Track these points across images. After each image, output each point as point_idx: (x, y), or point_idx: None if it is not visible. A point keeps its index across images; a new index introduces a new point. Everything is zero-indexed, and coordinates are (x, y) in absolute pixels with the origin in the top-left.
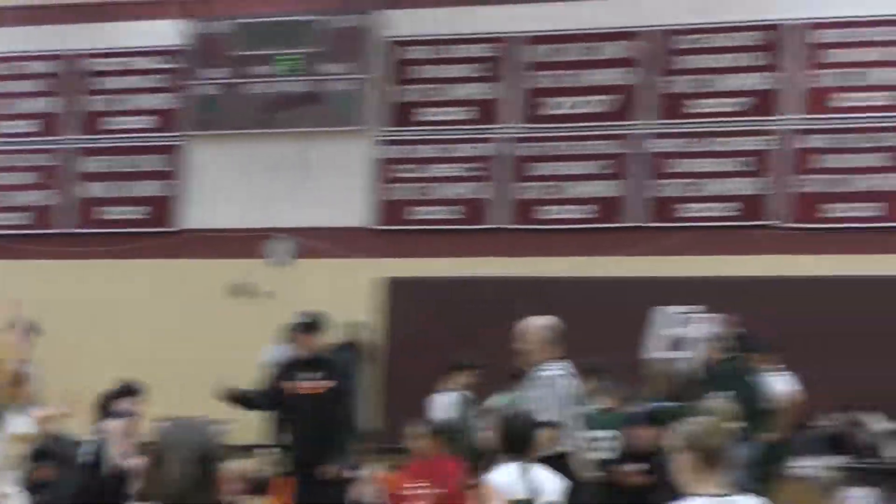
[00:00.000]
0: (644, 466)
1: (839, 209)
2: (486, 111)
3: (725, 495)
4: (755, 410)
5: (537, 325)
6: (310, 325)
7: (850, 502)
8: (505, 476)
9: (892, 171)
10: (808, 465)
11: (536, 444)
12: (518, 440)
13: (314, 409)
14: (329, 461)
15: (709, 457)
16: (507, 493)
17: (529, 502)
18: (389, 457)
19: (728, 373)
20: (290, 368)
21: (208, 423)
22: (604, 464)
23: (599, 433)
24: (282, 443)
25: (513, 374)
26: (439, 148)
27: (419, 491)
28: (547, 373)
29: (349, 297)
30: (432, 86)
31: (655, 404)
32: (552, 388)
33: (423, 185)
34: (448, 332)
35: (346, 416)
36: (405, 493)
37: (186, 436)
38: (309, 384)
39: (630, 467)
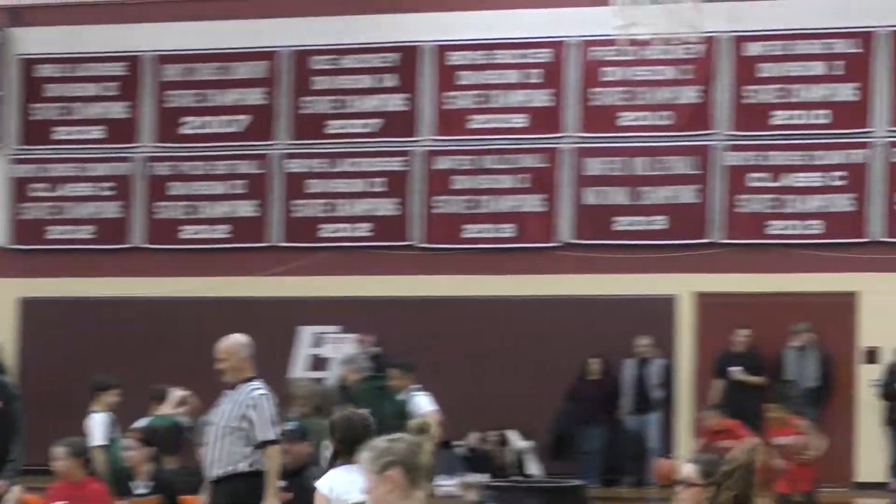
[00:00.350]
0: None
1: (474, 230)
2: (122, 130)
3: None
4: (397, 429)
5: (238, 341)
6: None
7: None
8: (342, 479)
9: (525, 192)
10: (450, 484)
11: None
12: (355, 442)
13: None
14: None
15: (416, 474)
16: (344, 497)
17: None
18: (28, 477)
19: (367, 392)
20: None
21: None
22: None
23: None
24: None
25: (154, 394)
26: (74, 167)
27: None
28: (257, 390)
29: None
30: (66, 104)
31: (300, 422)
32: (260, 405)
33: (59, 204)
34: (85, 351)
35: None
36: None
37: None
38: None
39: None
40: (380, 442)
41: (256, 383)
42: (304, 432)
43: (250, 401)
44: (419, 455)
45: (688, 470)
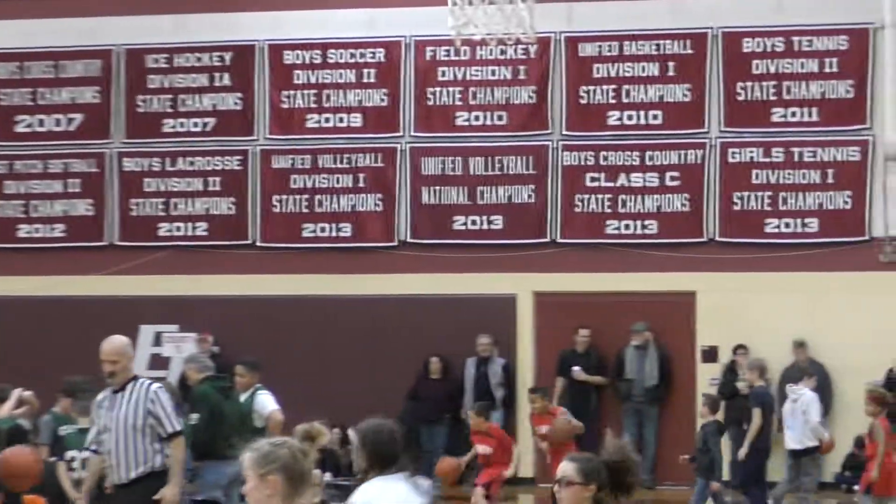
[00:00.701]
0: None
1: (313, 229)
2: None
3: None
4: (239, 429)
5: (124, 342)
6: None
7: None
8: (378, 490)
9: (362, 191)
10: None
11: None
12: (387, 453)
13: None
14: None
15: (298, 481)
16: None
17: None
18: None
19: (207, 392)
20: None
21: None
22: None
23: (76, 453)
24: None
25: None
26: None
27: None
28: (152, 386)
29: None
30: None
31: None
32: (160, 399)
33: None
34: None
35: None
36: None
37: None
38: None
39: None
40: (264, 445)
41: (144, 380)
42: None
43: (151, 396)
44: (301, 462)
45: (566, 469)
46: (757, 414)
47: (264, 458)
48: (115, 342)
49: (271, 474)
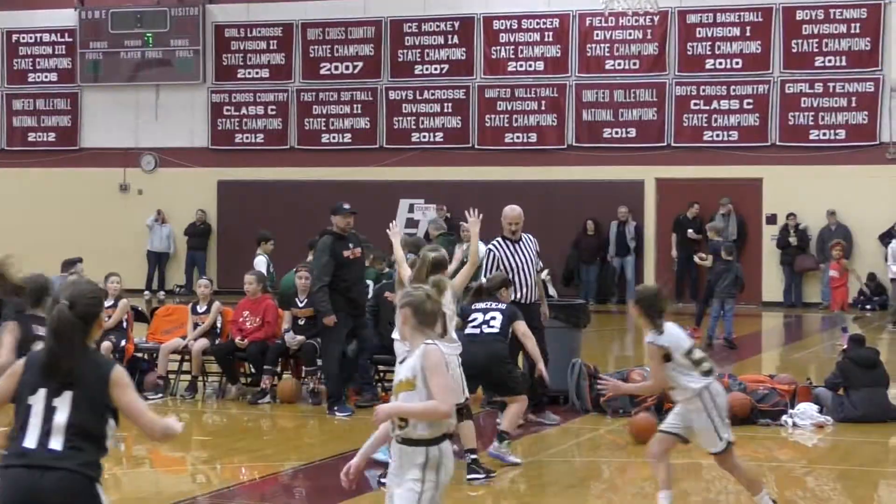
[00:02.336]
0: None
1: (510, 137)
2: None
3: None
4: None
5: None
6: None
7: None
8: (674, 330)
9: (543, 113)
10: None
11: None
12: (660, 308)
13: None
14: None
15: (424, 318)
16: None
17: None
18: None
19: (441, 244)
20: None
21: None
22: None
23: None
24: None
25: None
26: None
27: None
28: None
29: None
30: None
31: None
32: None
33: None
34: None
35: None
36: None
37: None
38: None
39: None
40: (408, 288)
41: (528, 235)
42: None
43: (535, 245)
44: (426, 303)
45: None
46: (710, 259)
47: (403, 296)
48: (517, 209)
49: (403, 308)
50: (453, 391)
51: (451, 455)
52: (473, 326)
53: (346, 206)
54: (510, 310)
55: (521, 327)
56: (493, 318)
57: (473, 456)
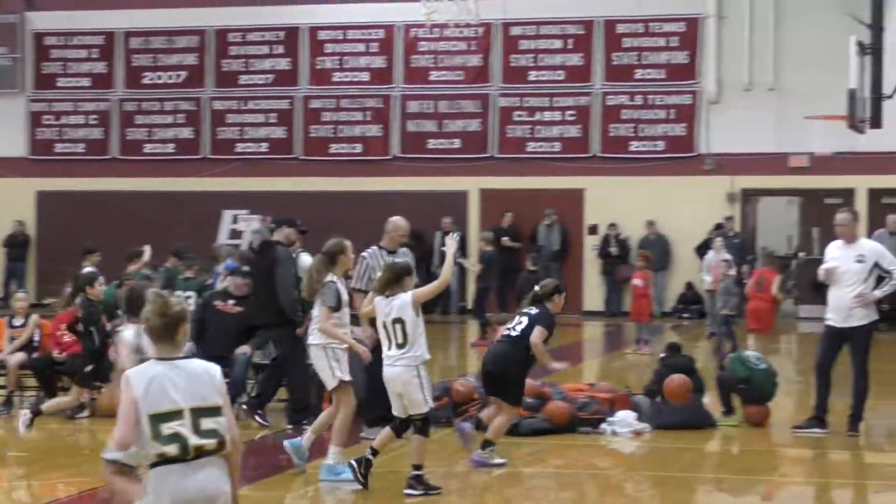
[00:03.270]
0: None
1: (336, 148)
2: None
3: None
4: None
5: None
6: None
7: None
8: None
9: (368, 123)
10: None
11: None
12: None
13: None
14: None
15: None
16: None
17: None
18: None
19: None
20: None
21: None
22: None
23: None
24: None
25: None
26: None
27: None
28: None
29: None
30: None
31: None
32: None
33: None
34: None
35: None
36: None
37: None
38: None
39: (230, 302)
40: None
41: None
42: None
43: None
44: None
45: None
46: (479, 266)
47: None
48: (402, 222)
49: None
50: None
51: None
52: (505, 329)
53: (299, 221)
54: (538, 315)
55: (535, 333)
56: (520, 322)
57: (417, 472)
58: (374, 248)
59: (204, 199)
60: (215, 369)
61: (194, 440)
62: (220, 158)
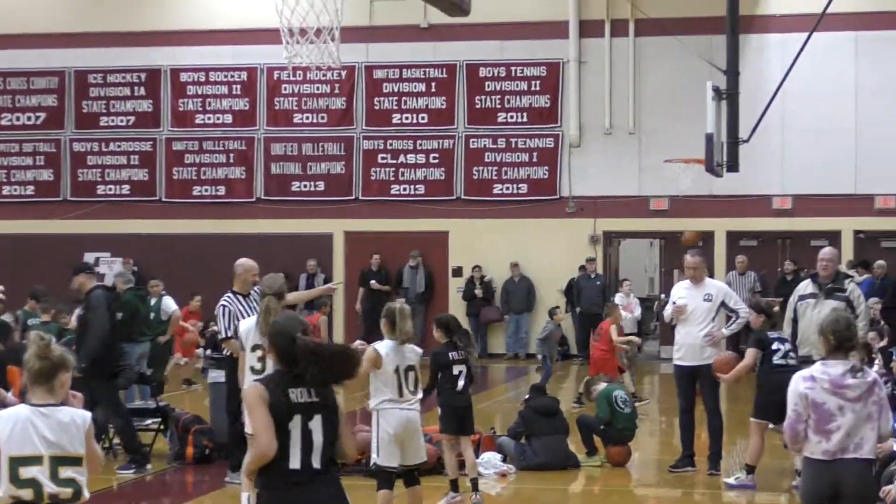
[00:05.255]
0: None
1: (199, 190)
2: None
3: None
4: (153, 322)
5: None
6: None
7: None
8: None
9: (231, 165)
10: None
11: None
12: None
13: None
14: None
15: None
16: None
17: None
18: None
19: (129, 298)
20: None
21: None
22: None
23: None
24: None
25: None
26: None
27: None
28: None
29: None
30: None
31: None
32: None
33: None
34: None
35: None
36: None
37: None
38: None
39: None
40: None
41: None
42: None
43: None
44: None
45: None
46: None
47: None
48: (251, 262)
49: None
50: None
51: None
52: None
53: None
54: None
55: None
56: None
57: None
58: (229, 293)
59: (65, 242)
60: (83, 418)
61: (50, 488)
62: (82, 200)
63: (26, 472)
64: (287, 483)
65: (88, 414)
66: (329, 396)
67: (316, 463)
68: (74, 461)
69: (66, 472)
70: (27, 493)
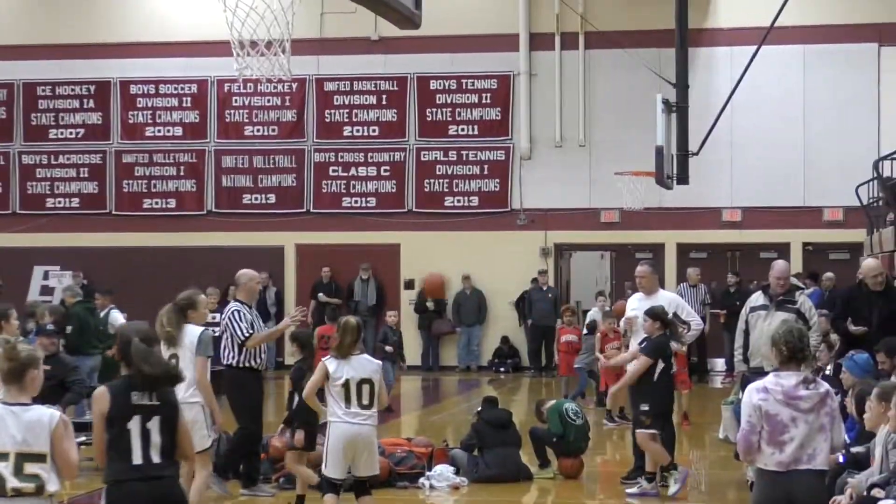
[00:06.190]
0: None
1: (149, 203)
2: None
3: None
4: (101, 335)
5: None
6: None
7: None
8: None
9: (182, 178)
10: None
11: None
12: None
13: None
14: None
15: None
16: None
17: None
18: None
19: (78, 311)
20: None
21: None
22: None
23: None
24: None
25: None
26: None
27: None
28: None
29: None
30: None
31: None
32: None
33: None
34: None
35: None
36: None
37: None
38: None
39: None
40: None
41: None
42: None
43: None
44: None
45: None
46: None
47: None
48: (252, 271)
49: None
50: None
51: None
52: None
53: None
54: None
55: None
56: None
57: None
58: (237, 303)
59: (13, 255)
60: (51, 417)
61: (13, 482)
62: (31, 214)
63: None
64: (130, 477)
65: (58, 413)
66: (168, 398)
67: (156, 458)
68: (39, 458)
69: (31, 468)
70: None
